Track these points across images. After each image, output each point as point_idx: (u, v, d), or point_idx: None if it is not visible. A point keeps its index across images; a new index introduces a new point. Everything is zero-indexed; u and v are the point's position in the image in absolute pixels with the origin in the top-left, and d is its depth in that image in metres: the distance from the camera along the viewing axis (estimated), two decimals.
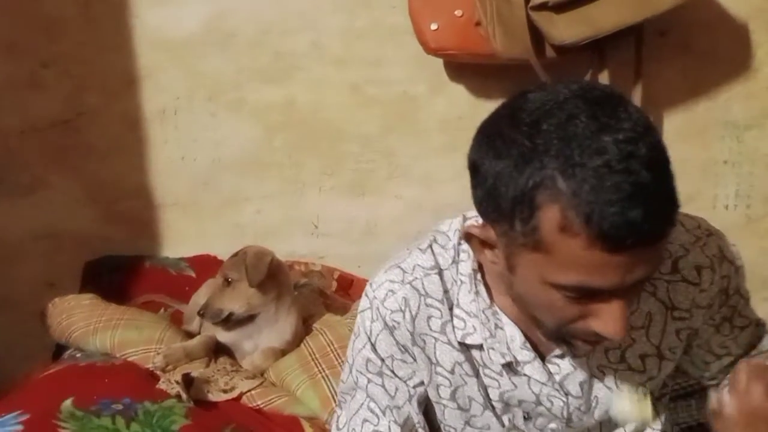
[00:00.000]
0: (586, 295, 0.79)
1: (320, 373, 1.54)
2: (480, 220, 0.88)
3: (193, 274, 2.04)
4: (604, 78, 1.93)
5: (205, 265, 2.04)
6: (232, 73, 2.03)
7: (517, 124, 0.79)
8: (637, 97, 1.95)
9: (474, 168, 0.84)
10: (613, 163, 0.72)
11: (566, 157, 0.74)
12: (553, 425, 1.03)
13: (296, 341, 1.69)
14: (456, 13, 1.86)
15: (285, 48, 2.02)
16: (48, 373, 1.47)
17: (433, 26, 1.87)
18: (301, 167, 2.11)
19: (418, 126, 2.08)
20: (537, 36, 1.79)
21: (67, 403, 1.32)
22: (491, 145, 0.81)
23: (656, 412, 1.07)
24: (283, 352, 1.66)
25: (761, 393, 0.88)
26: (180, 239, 2.13)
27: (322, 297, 1.95)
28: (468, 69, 2.03)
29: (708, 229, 1.00)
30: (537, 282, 0.81)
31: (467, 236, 0.89)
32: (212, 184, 2.11)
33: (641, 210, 0.72)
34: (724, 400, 0.90)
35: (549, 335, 0.89)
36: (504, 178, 0.78)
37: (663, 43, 2.03)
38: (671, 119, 2.09)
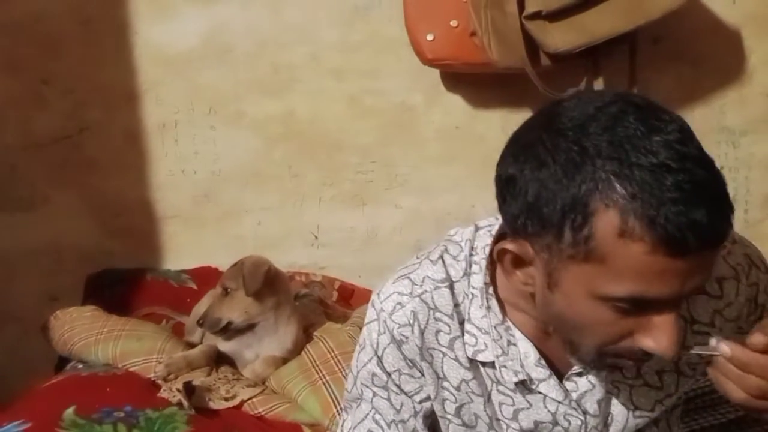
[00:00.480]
0: (639, 308, 0.75)
1: (321, 379, 1.54)
2: (493, 230, 0.85)
3: (195, 286, 2.05)
4: (598, 85, 1.95)
5: (207, 277, 2.05)
6: (231, 86, 2.06)
7: (559, 130, 0.76)
8: None
9: (510, 181, 0.79)
10: (670, 163, 0.70)
11: (620, 159, 0.71)
12: None
13: (297, 350, 1.69)
14: (451, 23, 1.89)
15: (283, 61, 2.05)
16: (50, 383, 1.48)
17: (429, 37, 1.90)
18: (300, 178, 2.13)
19: (416, 136, 2.10)
20: (532, 45, 1.81)
21: (69, 411, 1.33)
22: (531, 155, 0.77)
23: (668, 427, 1.03)
24: (284, 361, 1.66)
25: None
26: (181, 252, 2.14)
27: (323, 307, 1.96)
28: (464, 79, 2.06)
29: (732, 236, 0.95)
30: (583, 297, 0.77)
31: (500, 253, 0.83)
32: (213, 197, 2.13)
33: (704, 209, 0.70)
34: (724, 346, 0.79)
35: (587, 359, 0.84)
36: (551, 187, 0.74)
37: (657, 51, 2.05)
38: None
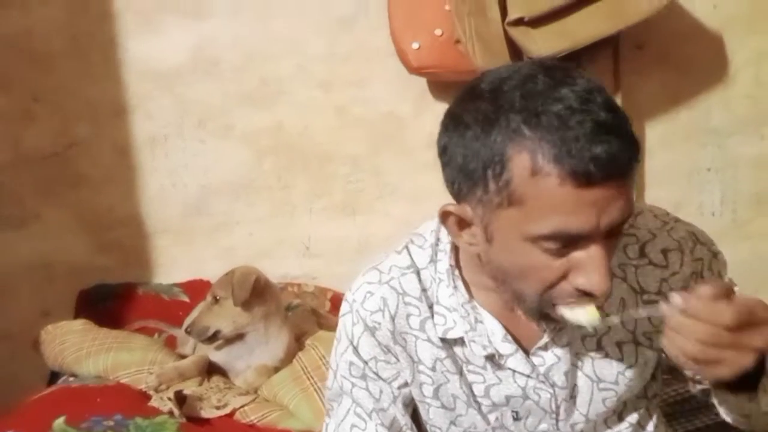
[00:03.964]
0: (566, 244, 0.80)
1: (312, 386, 1.54)
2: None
3: (187, 299, 2.05)
4: None
5: (199, 290, 2.04)
6: (219, 99, 2.07)
7: (478, 95, 0.82)
8: None
9: (443, 151, 0.86)
10: (574, 106, 0.77)
11: (529, 109, 0.78)
12: (543, 426, 1.01)
13: (289, 358, 1.69)
14: (436, 32, 1.92)
15: (270, 73, 2.06)
16: (40, 396, 1.48)
17: (415, 45, 1.92)
18: (291, 189, 2.14)
19: (405, 145, 2.12)
20: (515, 51, 1.83)
21: (59, 421, 1.33)
22: (457, 123, 0.84)
23: (648, 415, 1.05)
24: (276, 369, 1.66)
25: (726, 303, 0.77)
26: (172, 265, 2.14)
27: (316, 317, 1.95)
28: (451, 87, 2.07)
29: (677, 217, 1.00)
30: (517, 242, 0.82)
31: (443, 216, 0.89)
32: (203, 209, 2.14)
33: (605, 144, 0.76)
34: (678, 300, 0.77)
35: (532, 310, 0.88)
36: (473, 145, 0.81)
37: (640, 56, 2.08)
38: (653, 129, 2.13)
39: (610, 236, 0.82)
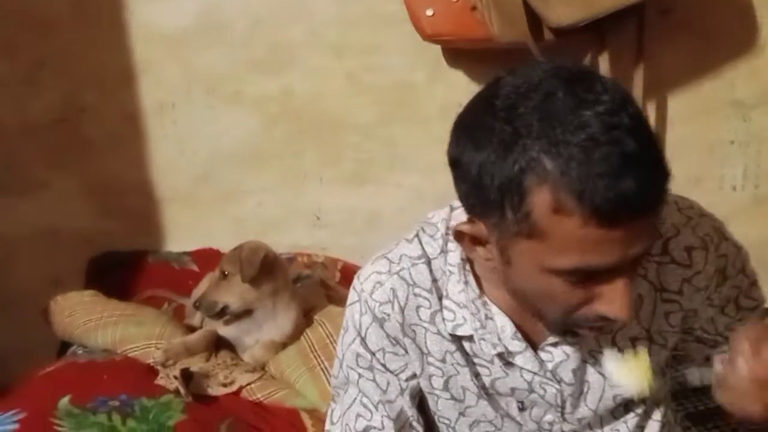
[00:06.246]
0: (588, 278, 0.78)
1: (319, 365, 1.54)
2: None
3: (196, 268, 2.05)
4: (604, 60, 1.89)
5: (208, 259, 2.03)
6: (228, 65, 2.02)
7: (493, 112, 0.77)
8: (639, 79, 1.92)
9: (454, 164, 0.82)
10: (598, 136, 0.71)
11: (549, 137, 0.73)
12: (549, 417, 1.01)
13: (297, 334, 1.68)
14: None
15: (280, 39, 2.01)
16: (46, 372, 1.48)
17: (429, 12, 1.85)
18: (301, 158, 2.10)
19: (418, 114, 2.06)
20: (534, 19, 1.76)
21: (64, 401, 1.33)
22: (470, 137, 0.79)
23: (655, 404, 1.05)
24: (284, 345, 1.66)
25: None
26: (182, 233, 2.13)
27: (325, 288, 1.94)
28: (466, 55, 2.01)
29: (701, 210, 0.98)
30: (536, 271, 0.79)
31: (457, 235, 0.87)
32: (212, 178, 2.11)
33: (632, 180, 0.71)
34: (737, 364, 0.84)
35: (554, 327, 0.87)
36: (488, 168, 0.76)
37: (665, 23, 1.99)
38: (675, 100, 2.06)
39: (635, 261, 0.79)
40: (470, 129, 0.80)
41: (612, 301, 0.79)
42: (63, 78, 2.01)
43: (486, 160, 0.76)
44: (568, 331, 0.87)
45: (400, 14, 1.90)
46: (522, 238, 0.77)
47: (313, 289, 1.89)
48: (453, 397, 1.01)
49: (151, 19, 1.98)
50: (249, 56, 2.01)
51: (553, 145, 0.72)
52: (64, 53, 1.99)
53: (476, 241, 0.85)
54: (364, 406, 1.02)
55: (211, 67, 2.02)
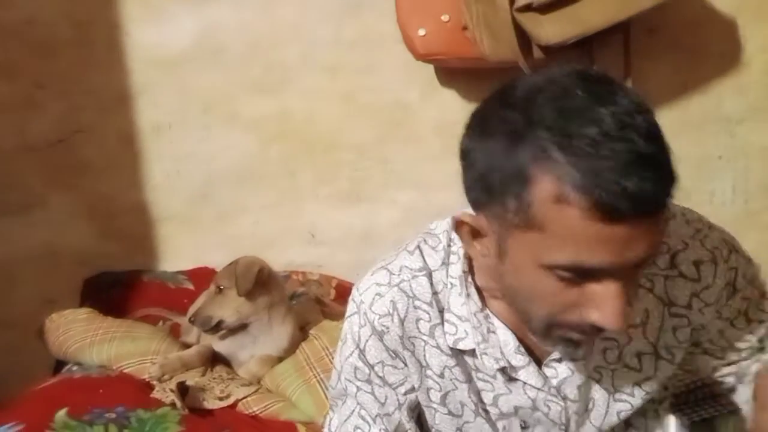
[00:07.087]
0: (582, 278, 0.76)
1: (315, 377, 1.53)
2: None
3: (192, 287, 2.05)
4: None
5: (203, 278, 2.03)
6: (224, 86, 2.05)
7: (509, 103, 0.77)
8: None
9: (465, 154, 0.81)
10: (611, 132, 0.71)
11: (561, 129, 0.72)
12: None
13: (293, 348, 1.68)
14: (443, 18, 1.88)
15: (276, 60, 2.04)
16: (43, 386, 1.48)
17: (421, 32, 1.89)
18: (296, 177, 2.12)
19: (412, 132, 2.10)
20: (524, 37, 1.80)
21: (61, 413, 1.33)
22: (482, 128, 0.79)
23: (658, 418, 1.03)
24: (279, 360, 1.66)
25: None
26: (177, 253, 2.14)
27: (319, 305, 1.95)
28: (459, 74, 2.05)
29: (710, 222, 0.95)
30: (530, 265, 0.77)
31: (458, 225, 0.85)
32: (208, 197, 2.13)
33: (638, 178, 0.70)
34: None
35: (539, 330, 0.83)
36: (497, 157, 0.76)
37: (652, 41, 2.04)
38: (663, 116, 2.02)
39: (635, 267, 0.77)
40: (483, 120, 0.80)
41: (603, 306, 0.76)
42: (61, 99, 2.04)
43: (494, 149, 0.76)
44: (553, 337, 0.83)
45: (393, 35, 1.95)
46: (520, 230, 0.76)
47: (309, 305, 1.90)
48: (450, 412, 0.99)
49: (149, 41, 2.01)
50: (245, 77, 2.05)
51: (564, 137, 0.71)
52: (63, 75, 2.02)
53: (475, 233, 0.83)
54: (362, 418, 1.00)
55: (207, 88, 2.05)
